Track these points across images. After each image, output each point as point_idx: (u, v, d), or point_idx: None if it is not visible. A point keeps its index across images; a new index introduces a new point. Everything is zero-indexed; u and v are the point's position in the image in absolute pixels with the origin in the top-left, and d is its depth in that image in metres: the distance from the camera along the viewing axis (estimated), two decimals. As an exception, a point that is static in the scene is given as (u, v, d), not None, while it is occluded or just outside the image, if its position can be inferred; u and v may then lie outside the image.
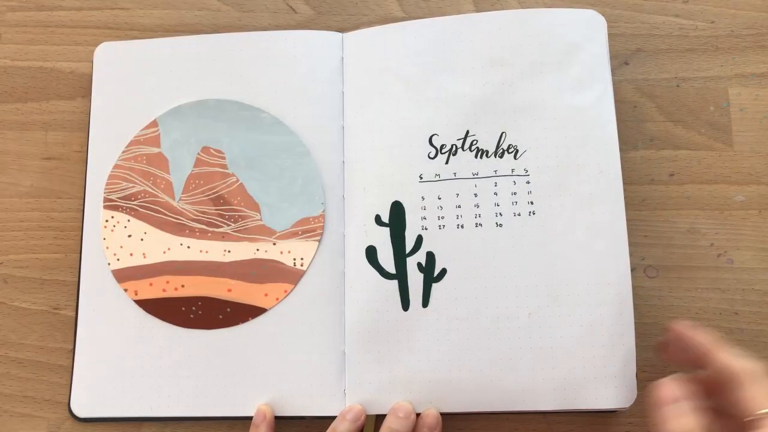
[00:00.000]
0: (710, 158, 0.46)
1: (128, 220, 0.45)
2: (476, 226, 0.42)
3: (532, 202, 0.42)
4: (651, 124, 0.47)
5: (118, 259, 0.45)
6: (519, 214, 0.42)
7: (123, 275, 0.45)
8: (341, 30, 0.47)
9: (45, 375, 0.44)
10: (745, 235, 0.45)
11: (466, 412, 0.41)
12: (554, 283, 0.41)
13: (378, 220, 0.43)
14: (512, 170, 0.43)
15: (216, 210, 0.45)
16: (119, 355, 0.43)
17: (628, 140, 0.46)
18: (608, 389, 0.40)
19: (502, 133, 0.43)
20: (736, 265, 0.45)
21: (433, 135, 0.44)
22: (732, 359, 0.34)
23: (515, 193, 0.42)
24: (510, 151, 0.43)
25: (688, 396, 0.34)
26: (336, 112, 0.45)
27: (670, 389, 0.35)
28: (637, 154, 0.46)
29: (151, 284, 0.44)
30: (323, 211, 0.44)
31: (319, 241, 0.44)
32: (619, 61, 0.48)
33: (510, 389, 0.40)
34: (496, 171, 0.43)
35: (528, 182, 0.43)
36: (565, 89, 0.43)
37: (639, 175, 0.46)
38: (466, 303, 0.42)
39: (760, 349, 0.43)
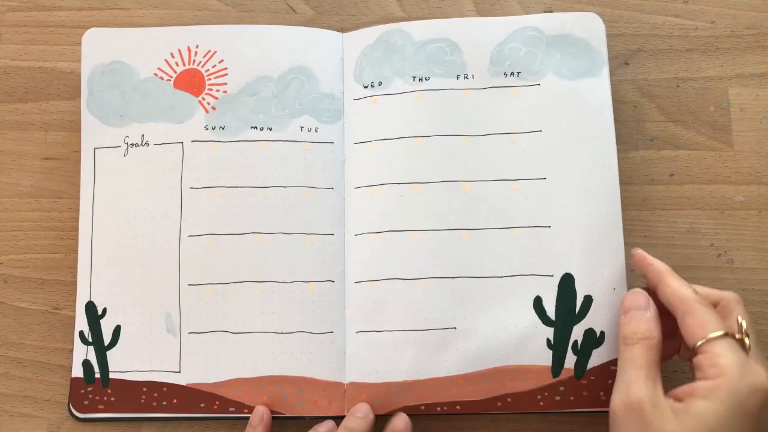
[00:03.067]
0: (710, 158, 0.46)
1: (128, 220, 0.45)
2: None
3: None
4: (651, 124, 0.47)
5: (118, 259, 0.45)
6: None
7: (123, 275, 0.45)
8: (341, 30, 0.47)
9: (45, 375, 0.44)
10: (745, 235, 0.45)
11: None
12: None
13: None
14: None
15: None
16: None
17: (628, 140, 0.46)
18: None
19: None
20: (736, 265, 0.45)
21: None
22: (682, 287, 0.36)
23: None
24: None
25: (650, 306, 0.37)
26: (336, 113, 0.45)
27: (638, 297, 0.38)
28: (637, 154, 0.46)
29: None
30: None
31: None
32: (619, 61, 0.48)
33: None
34: None
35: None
36: None
37: (639, 175, 0.46)
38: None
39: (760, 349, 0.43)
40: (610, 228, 0.42)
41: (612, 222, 0.42)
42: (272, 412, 0.42)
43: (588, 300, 0.41)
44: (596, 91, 0.44)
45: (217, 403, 0.42)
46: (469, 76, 0.45)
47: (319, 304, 0.42)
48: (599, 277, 0.42)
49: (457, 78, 0.45)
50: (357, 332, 0.42)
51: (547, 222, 0.42)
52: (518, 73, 0.44)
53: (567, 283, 0.42)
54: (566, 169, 0.43)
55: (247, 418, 0.42)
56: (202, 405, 0.42)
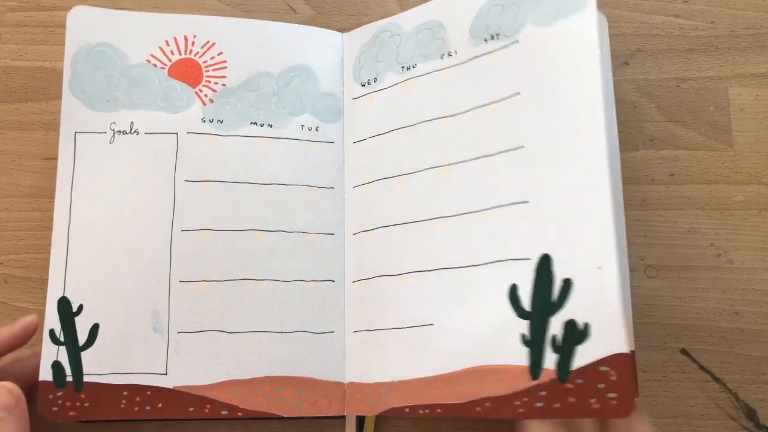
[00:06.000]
0: (710, 158, 0.46)
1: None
2: None
3: None
4: (651, 124, 0.47)
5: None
6: None
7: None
8: (341, 30, 0.47)
9: (45, 375, 0.44)
10: (745, 235, 0.45)
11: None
12: None
13: None
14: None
15: None
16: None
17: (628, 140, 0.46)
18: None
19: None
20: (736, 265, 0.45)
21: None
22: None
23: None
24: None
25: None
26: (337, 112, 0.45)
27: None
28: (637, 154, 0.46)
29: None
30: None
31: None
32: (619, 61, 0.48)
33: None
34: None
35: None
36: None
37: (639, 175, 0.46)
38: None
39: (760, 349, 0.43)
40: (596, 197, 0.35)
41: (598, 189, 0.35)
42: (269, 414, 0.41)
43: (567, 284, 0.35)
44: (581, 31, 0.37)
45: (207, 406, 0.40)
46: (453, 53, 0.42)
47: (320, 304, 0.42)
48: (581, 256, 0.35)
49: (441, 58, 0.42)
50: (354, 332, 0.42)
51: (524, 197, 0.37)
52: (497, 35, 0.40)
53: (544, 267, 0.36)
54: (546, 134, 0.37)
55: (241, 420, 0.41)
56: (191, 409, 0.40)
